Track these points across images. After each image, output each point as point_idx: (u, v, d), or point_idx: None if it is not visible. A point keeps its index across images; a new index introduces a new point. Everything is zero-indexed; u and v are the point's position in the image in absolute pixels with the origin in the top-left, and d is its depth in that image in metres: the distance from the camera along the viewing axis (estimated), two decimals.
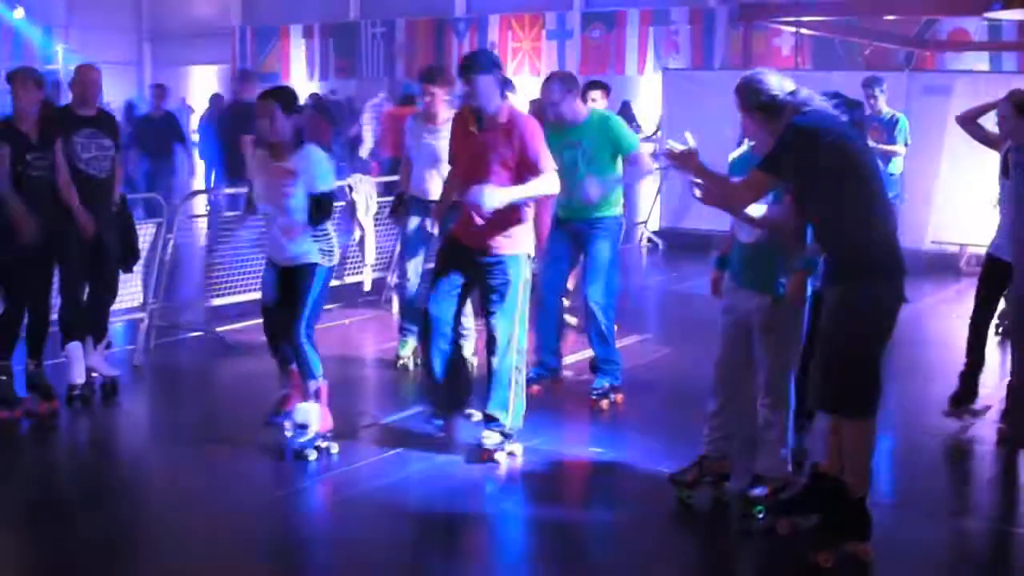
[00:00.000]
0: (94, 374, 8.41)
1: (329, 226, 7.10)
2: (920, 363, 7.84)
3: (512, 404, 6.91)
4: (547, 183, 6.80)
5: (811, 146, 5.33)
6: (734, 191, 5.65)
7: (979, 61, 22.19)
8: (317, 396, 7.06)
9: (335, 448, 7.07)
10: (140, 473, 7.28)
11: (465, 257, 6.95)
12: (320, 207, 6.91)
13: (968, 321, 7.82)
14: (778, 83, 5.60)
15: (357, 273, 11.54)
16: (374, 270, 11.50)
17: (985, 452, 7.48)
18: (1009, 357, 7.70)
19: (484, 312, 6.99)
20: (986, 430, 7.67)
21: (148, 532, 6.17)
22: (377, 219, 11.03)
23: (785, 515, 5.86)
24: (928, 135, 11.58)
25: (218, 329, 10.26)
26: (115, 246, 8.44)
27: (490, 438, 6.91)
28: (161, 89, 17.55)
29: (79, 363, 8.22)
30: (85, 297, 8.32)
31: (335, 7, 32.12)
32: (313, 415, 7.02)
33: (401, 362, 9.29)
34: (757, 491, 6.08)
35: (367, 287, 11.58)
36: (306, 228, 6.91)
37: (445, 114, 8.58)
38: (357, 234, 11.50)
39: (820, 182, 5.37)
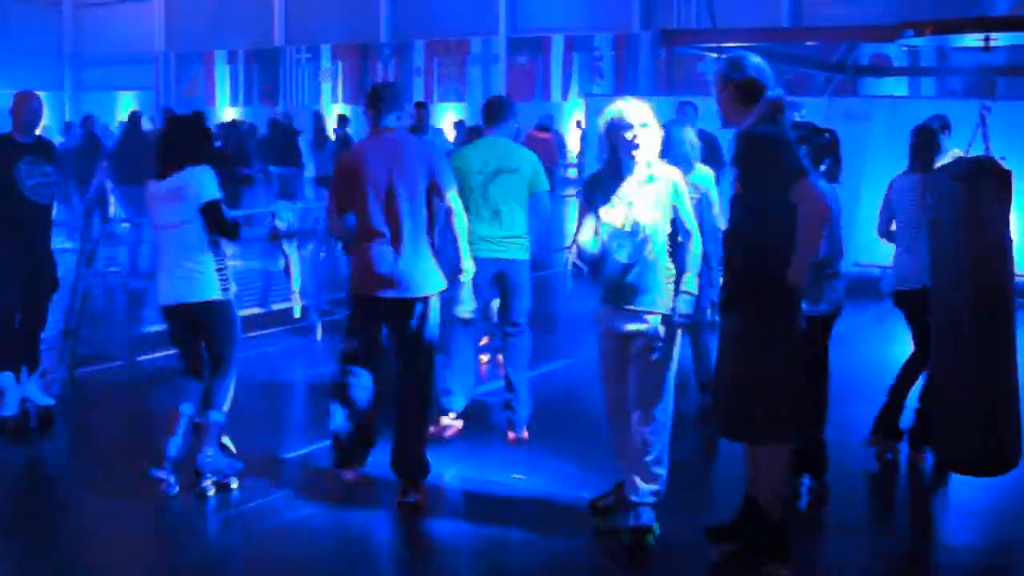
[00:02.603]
0: (27, 404, 8.31)
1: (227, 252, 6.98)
2: (842, 385, 7.92)
3: None
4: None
5: (762, 157, 5.34)
6: None
7: (899, 87, 22.53)
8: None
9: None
10: (49, 506, 7.14)
11: None
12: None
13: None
14: (759, 68, 5.54)
15: (284, 300, 11.48)
16: (301, 297, 11.45)
17: (913, 472, 7.56)
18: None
19: None
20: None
21: (58, 565, 6.07)
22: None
23: (717, 541, 5.87)
24: (848, 160, 11.75)
25: (141, 358, 10.14)
26: (50, 274, 8.38)
27: None
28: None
29: (10, 393, 8.14)
30: (17, 324, 8.24)
31: (260, 33, 32.04)
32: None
33: None
34: (646, 519, 6.02)
35: (297, 314, 11.51)
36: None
37: None
38: (281, 262, 11.44)
39: (757, 197, 5.37)
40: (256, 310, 11.86)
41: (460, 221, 6.85)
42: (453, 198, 6.78)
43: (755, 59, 5.61)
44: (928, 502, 7.35)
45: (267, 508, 6.74)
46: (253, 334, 11.15)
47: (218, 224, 6.75)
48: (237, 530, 6.57)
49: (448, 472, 7.20)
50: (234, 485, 6.90)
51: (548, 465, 7.43)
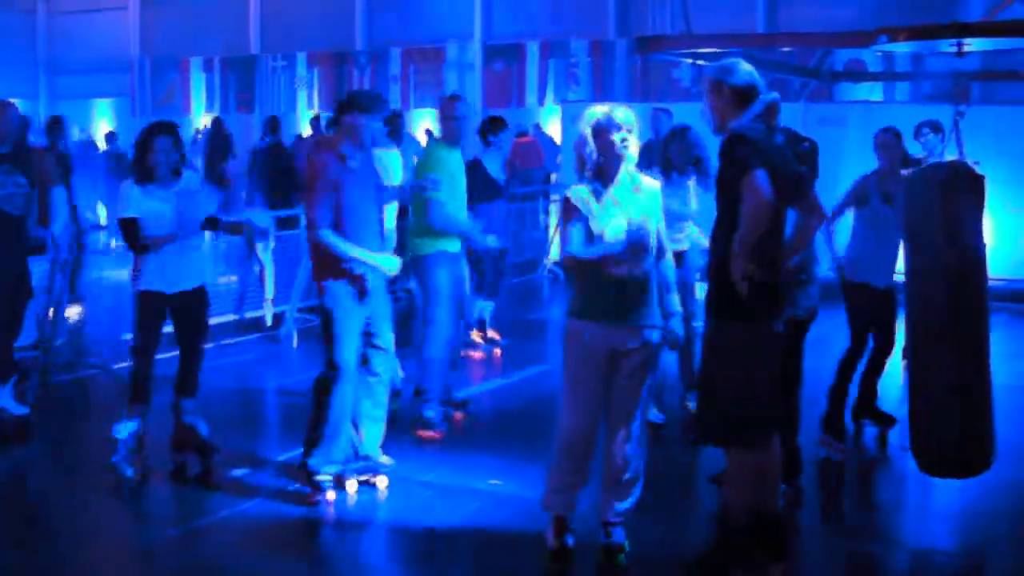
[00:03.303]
0: (3, 413, 8.30)
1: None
2: (817, 389, 7.94)
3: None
4: None
5: (728, 154, 5.27)
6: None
7: (874, 92, 22.61)
8: None
9: None
10: (26, 515, 7.11)
11: None
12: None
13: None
14: (751, 73, 5.55)
15: (257, 308, 11.48)
16: (274, 304, 11.44)
17: (888, 475, 7.59)
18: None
19: None
20: (890, 453, 7.81)
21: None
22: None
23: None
24: (823, 165, 11.78)
25: (117, 366, 10.09)
26: (26, 284, 8.36)
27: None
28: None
29: None
30: None
31: (236, 40, 31.91)
32: None
33: None
34: (618, 538, 5.94)
35: (269, 322, 11.50)
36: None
37: None
38: (256, 268, 11.43)
39: (728, 195, 5.32)
40: (231, 317, 11.84)
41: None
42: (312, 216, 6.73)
43: (745, 65, 5.60)
44: (904, 504, 7.37)
45: (241, 515, 6.71)
46: (226, 342, 11.14)
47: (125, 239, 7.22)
48: (212, 538, 6.52)
49: (426, 476, 7.18)
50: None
51: (526, 471, 7.41)
